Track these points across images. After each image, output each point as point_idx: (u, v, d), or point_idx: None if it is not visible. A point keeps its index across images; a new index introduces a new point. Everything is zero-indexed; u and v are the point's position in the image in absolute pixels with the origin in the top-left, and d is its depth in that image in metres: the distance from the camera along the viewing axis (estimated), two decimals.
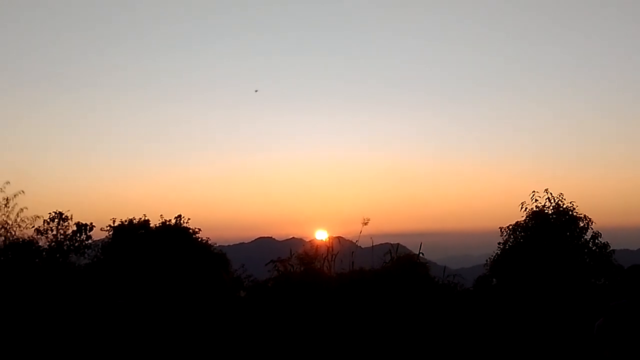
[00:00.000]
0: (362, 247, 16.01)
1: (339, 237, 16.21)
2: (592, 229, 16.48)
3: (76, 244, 18.82)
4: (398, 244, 16.21)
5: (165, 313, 6.66)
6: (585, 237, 16.46)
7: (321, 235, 16.42)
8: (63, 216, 18.91)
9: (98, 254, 18.91)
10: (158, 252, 17.44)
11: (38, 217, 18.57)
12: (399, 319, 13.14)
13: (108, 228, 18.93)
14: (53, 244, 18.58)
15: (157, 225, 19.09)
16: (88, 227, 19.03)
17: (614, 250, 16.48)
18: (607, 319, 5.36)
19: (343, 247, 15.82)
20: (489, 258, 17.11)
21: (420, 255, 15.75)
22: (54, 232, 18.74)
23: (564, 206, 16.53)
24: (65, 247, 18.68)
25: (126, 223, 18.92)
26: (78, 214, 19.38)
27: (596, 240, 16.40)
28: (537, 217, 16.56)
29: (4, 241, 17.76)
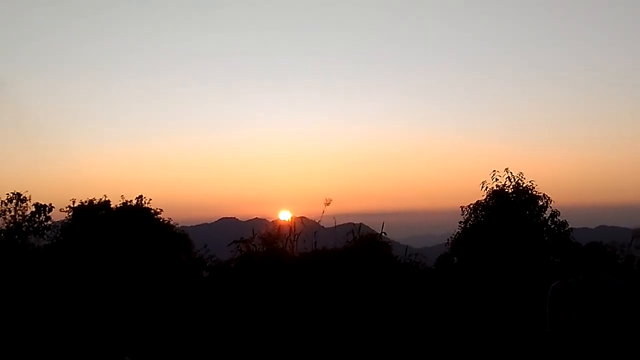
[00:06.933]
0: (325, 227, 16.10)
1: (302, 218, 16.28)
2: (551, 207, 16.70)
3: (35, 225, 18.52)
4: (361, 223, 16.33)
5: (126, 295, 6.59)
6: (544, 215, 16.67)
7: (284, 216, 16.48)
8: (21, 197, 18.59)
9: (57, 235, 18.60)
10: (119, 233, 17.21)
11: None
12: (361, 297, 13.23)
13: (68, 209, 18.60)
14: (11, 225, 18.27)
15: (118, 205, 18.81)
16: (47, 208, 18.72)
17: (572, 229, 16.73)
18: (564, 282, 5.45)
19: (306, 227, 15.89)
20: (451, 237, 17.25)
21: (383, 234, 15.87)
22: (12, 213, 18.43)
23: (524, 185, 16.70)
24: (24, 228, 18.38)
25: (86, 204, 18.61)
26: (37, 195, 19.07)
27: (555, 219, 16.63)
28: (497, 196, 16.72)
29: None
